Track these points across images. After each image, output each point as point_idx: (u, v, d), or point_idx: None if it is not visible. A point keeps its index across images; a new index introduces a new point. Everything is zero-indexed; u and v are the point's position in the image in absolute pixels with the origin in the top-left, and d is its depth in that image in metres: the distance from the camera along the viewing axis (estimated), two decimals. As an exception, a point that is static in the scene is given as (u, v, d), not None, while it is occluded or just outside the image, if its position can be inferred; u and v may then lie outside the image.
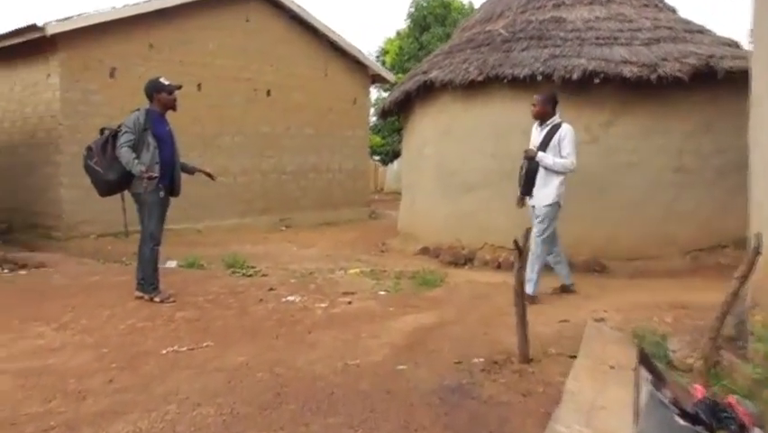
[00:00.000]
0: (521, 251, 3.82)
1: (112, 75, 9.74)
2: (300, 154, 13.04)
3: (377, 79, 15.22)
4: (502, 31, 8.00)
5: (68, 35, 9.10)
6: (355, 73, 14.04)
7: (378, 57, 24.28)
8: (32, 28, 8.75)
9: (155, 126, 5.17)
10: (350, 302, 5.40)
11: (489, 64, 7.47)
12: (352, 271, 7.21)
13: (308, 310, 5.09)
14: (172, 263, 7.70)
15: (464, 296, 5.84)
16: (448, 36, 16.82)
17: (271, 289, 5.83)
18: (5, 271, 6.64)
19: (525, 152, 5.68)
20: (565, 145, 5.51)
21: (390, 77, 15.13)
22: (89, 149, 5.13)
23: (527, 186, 5.73)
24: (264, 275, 6.74)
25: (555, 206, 5.59)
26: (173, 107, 5.35)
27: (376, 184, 26.51)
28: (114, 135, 5.10)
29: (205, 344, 4.15)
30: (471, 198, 7.97)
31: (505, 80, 7.30)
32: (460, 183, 8.06)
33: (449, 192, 8.17)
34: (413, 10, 22.85)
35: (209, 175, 5.82)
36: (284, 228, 12.23)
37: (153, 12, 10.12)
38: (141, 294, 5.34)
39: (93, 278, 6.40)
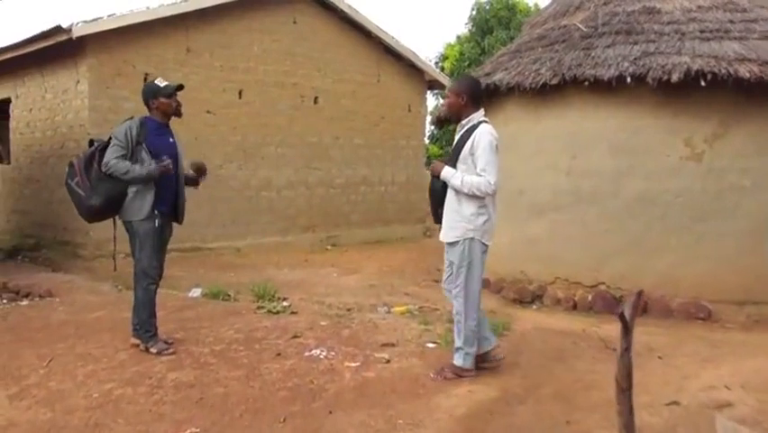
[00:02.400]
0: (628, 326, 2.62)
1: (145, 81, 8.99)
2: (350, 166, 12.04)
3: (434, 85, 14.12)
4: (580, 25, 6.76)
5: (97, 38, 8.41)
6: (410, 78, 12.97)
7: (436, 63, 23.10)
8: (58, 30, 8.08)
9: (151, 139, 4.22)
10: (388, 361, 4.29)
11: (565, 64, 6.25)
12: (396, 309, 6.11)
13: (334, 373, 4.01)
14: (197, 292, 6.83)
15: (534, 353, 4.63)
16: (512, 40, 15.55)
17: (296, 336, 4.79)
18: (4, 301, 5.87)
19: (431, 167, 4.06)
20: (480, 156, 3.76)
21: (448, 82, 13.95)
22: (71, 165, 4.24)
23: (435, 212, 4.11)
24: (293, 312, 5.72)
25: (472, 244, 3.87)
26: (176, 113, 4.37)
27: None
28: (103, 149, 4.20)
29: (189, 431, 3.13)
30: (541, 222, 6.74)
31: (585, 83, 6.05)
32: (527, 205, 6.83)
33: (514, 215, 6.93)
34: (475, 13, 21.64)
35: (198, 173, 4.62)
36: (329, 247, 11.25)
37: (191, 12, 9.34)
38: (136, 341, 4.40)
39: (97, 313, 5.54)
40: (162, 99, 4.28)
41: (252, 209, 10.45)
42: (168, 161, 4.12)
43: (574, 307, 6.30)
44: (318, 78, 11.34)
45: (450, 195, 3.96)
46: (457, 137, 4.03)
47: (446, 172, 3.90)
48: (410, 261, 9.76)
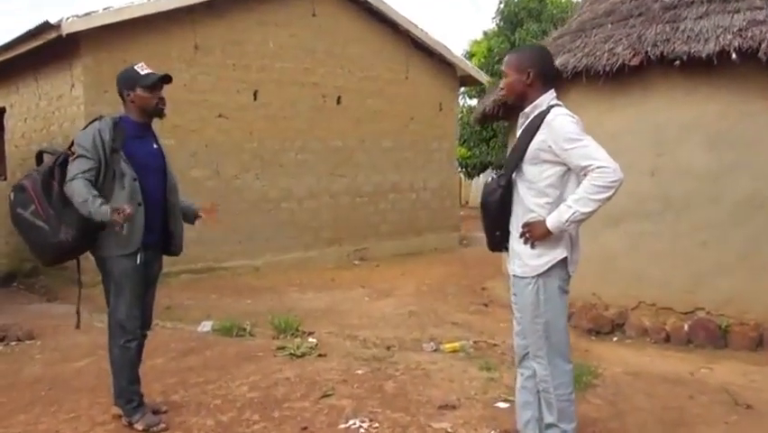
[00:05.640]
0: None
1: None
2: (378, 172, 10.96)
3: (466, 82, 13.00)
4: (659, -5, 5.59)
5: (93, 35, 7.44)
6: (441, 74, 11.84)
7: (463, 61, 21.98)
8: (47, 27, 7.12)
9: (128, 145, 3.17)
10: (453, 435, 3.18)
11: (647, 41, 5.11)
12: (447, 345, 5.00)
13: (382, 461, 2.91)
14: (206, 326, 5.81)
15: (644, 416, 3.48)
16: (545, 33, 14.32)
17: (326, 395, 3.70)
18: (-28, 347, 4.90)
19: (532, 230, 2.68)
20: (572, 149, 2.59)
21: (483, 77, 12.79)
22: (21, 189, 3.14)
23: (492, 237, 2.91)
24: (322, 354, 4.64)
25: (548, 282, 2.72)
26: (157, 112, 3.27)
27: (461, 198, 24.22)
28: (63, 163, 3.15)
29: None
30: (617, 234, 5.58)
31: (676, 62, 4.90)
32: (600, 212, 5.65)
33: (582, 225, 5.78)
34: (503, 6, 20.47)
35: (210, 211, 3.53)
36: (357, 262, 10.17)
37: (198, 5, 8.35)
38: (119, 411, 3.35)
39: (81, 362, 4.53)
40: (140, 92, 3.20)
41: (271, 223, 9.43)
42: (129, 211, 2.91)
43: (667, 339, 5.13)
44: (341, 76, 10.28)
45: (517, 209, 2.79)
46: (520, 131, 2.84)
47: (555, 220, 2.64)
48: (450, 276, 8.65)
